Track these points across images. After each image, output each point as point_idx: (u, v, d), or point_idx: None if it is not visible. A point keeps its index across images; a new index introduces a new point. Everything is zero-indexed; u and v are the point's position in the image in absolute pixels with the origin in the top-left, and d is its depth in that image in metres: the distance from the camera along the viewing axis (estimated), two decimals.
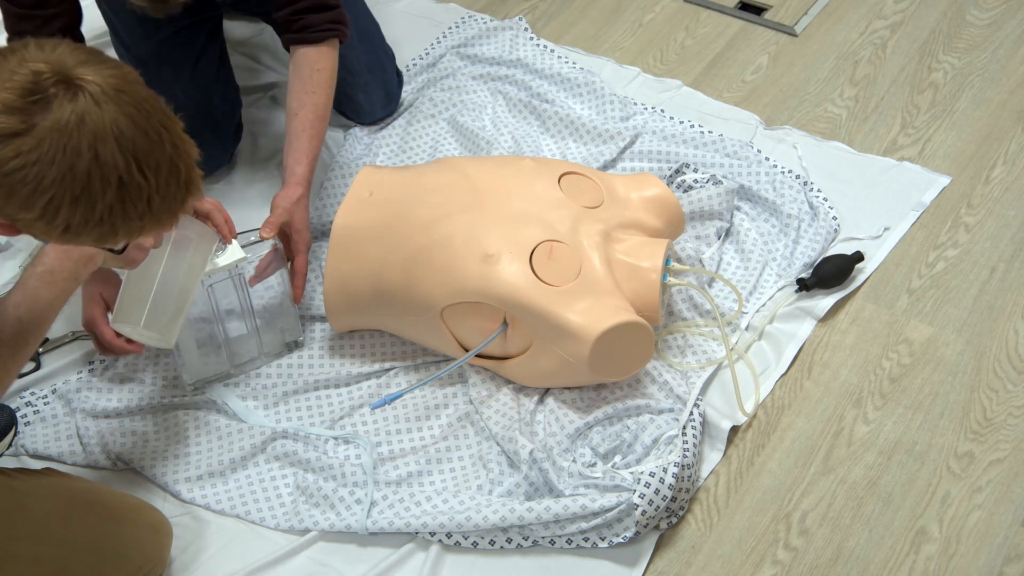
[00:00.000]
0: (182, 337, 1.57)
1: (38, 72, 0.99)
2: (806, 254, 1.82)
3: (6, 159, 0.98)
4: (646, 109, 2.10)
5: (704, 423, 1.59)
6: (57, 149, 0.99)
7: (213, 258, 1.50)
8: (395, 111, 2.08)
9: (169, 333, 1.43)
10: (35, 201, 1.00)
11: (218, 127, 1.94)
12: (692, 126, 2.05)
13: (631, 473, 1.47)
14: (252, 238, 1.58)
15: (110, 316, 1.54)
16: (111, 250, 1.17)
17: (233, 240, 1.53)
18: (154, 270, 1.39)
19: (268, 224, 1.57)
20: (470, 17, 2.33)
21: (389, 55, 2.06)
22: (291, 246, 1.62)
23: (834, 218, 1.87)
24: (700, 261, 1.80)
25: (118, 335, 1.53)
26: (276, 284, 1.62)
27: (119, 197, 1.02)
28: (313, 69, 1.71)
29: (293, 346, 1.71)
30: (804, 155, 2.01)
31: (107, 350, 1.57)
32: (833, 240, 1.86)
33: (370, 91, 2.02)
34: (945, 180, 1.97)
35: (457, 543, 1.48)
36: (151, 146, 1.04)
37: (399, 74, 2.09)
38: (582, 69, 2.16)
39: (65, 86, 0.99)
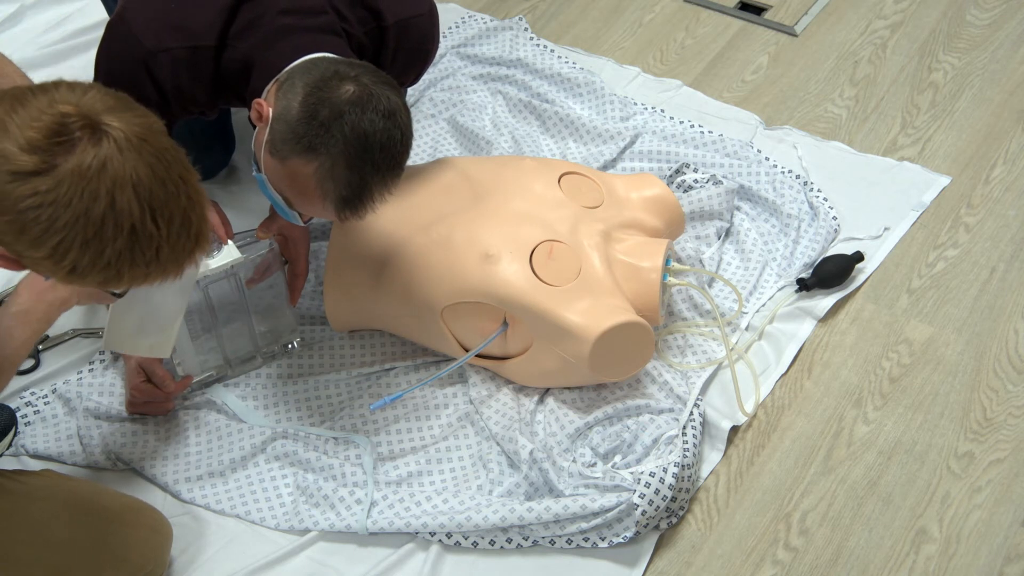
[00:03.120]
0: (178, 337, 1.57)
1: (65, 114, 0.99)
2: (806, 254, 1.82)
3: (22, 196, 0.98)
4: (646, 109, 2.10)
5: (704, 423, 1.59)
6: (75, 192, 0.99)
7: (206, 259, 1.50)
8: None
9: (168, 341, 1.43)
10: (46, 241, 1.00)
11: (221, 129, 1.94)
12: (692, 126, 2.05)
13: (631, 473, 1.47)
14: (249, 239, 1.57)
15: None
16: (113, 293, 1.19)
17: (229, 241, 1.53)
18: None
19: (264, 225, 1.57)
20: (470, 17, 2.33)
21: None
22: (289, 248, 1.62)
23: (834, 218, 1.87)
24: (700, 261, 1.80)
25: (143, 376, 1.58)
26: (273, 285, 1.62)
27: (129, 244, 1.03)
28: None
29: (290, 347, 1.71)
30: (804, 155, 2.01)
31: (151, 404, 1.61)
32: (833, 240, 1.86)
33: None
34: (945, 180, 1.97)
35: (457, 543, 1.48)
36: (167, 197, 1.04)
37: None
38: (582, 69, 2.16)
39: (91, 131, 0.99)
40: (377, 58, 1.61)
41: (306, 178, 1.32)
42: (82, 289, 1.31)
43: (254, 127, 1.39)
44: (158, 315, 1.42)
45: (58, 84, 1.03)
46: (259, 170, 1.40)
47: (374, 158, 1.31)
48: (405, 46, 1.62)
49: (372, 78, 1.33)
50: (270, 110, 1.34)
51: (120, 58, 1.47)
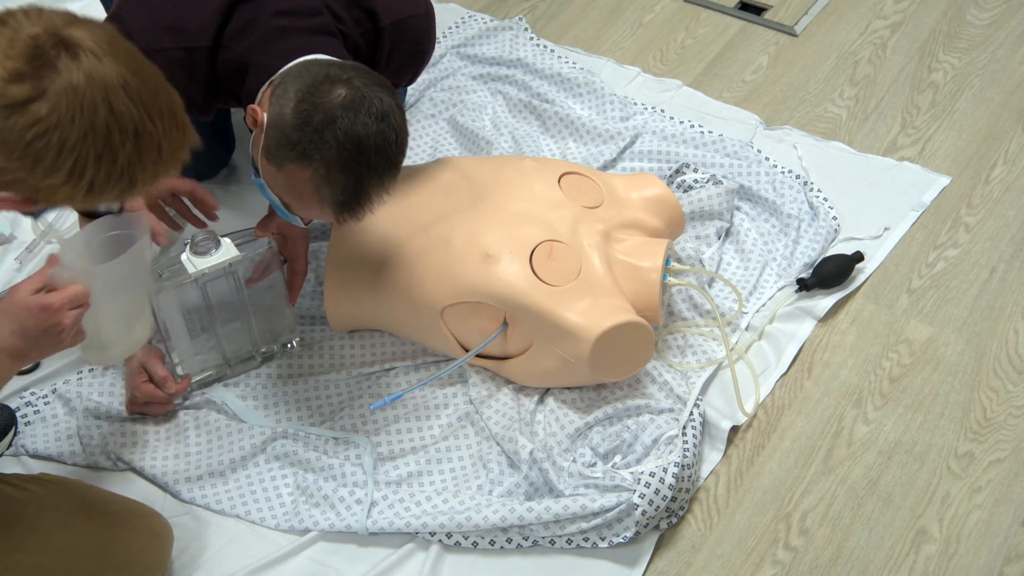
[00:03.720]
0: (177, 336, 1.57)
1: (35, 36, 0.98)
2: (806, 254, 1.82)
3: (26, 127, 0.98)
4: (646, 109, 2.10)
5: (704, 423, 1.59)
6: (75, 109, 0.98)
7: (204, 257, 1.50)
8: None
9: (148, 323, 1.41)
10: (61, 164, 1.00)
11: (221, 129, 1.94)
12: (692, 126, 2.05)
13: (631, 473, 1.47)
14: (247, 237, 1.57)
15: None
16: (97, 212, 1.16)
17: (227, 239, 1.53)
18: (107, 292, 1.32)
19: (262, 223, 1.57)
20: (470, 17, 2.33)
21: None
22: (288, 247, 1.62)
23: (834, 218, 1.87)
24: (700, 261, 1.80)
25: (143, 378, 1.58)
26: (272, 285, 1.62)
27: (136, 147, 1.03)
28: None
29: (289, 347, 1.70)
30: (804, 155, 2.01)
31: (151, 405, 1.60)
32: (833, 240, 1.86)
33: None
34: (945, 180, 1.97)
35: (457, 543, 1.48)
36: (153, 93, 1.04)
37: None
38: (582, 69, 2.16)
39: (64, 47, 0.99)
40: (372, 59, 1.60)
41: (302, 183, 1.32)
42: (30, 339, 1.22)
43: (251, 131, 1.39)
44: (131, 306, 1.39)
45: (11, 12, 1.02)
46: (257, 174, 1.40)
47: (369, 161, 1.31)
48: (401, 47, 1.62)
49: (365, 80, 1.32)
50: (264, 115, 1.34)
51: None
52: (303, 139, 1.29)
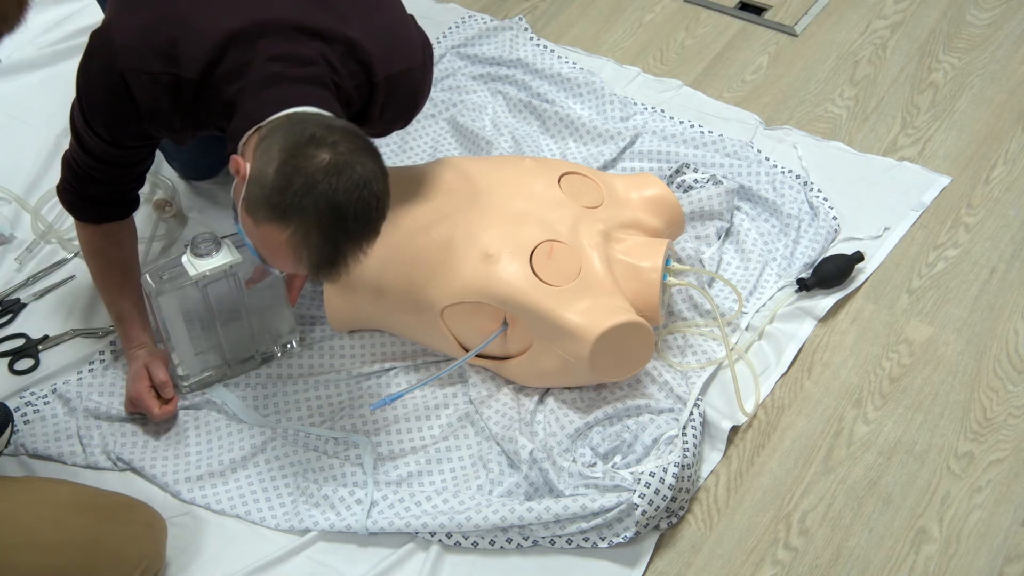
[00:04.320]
0: (178, 337, 1.57)
1: None
2: (806, 254, 1.82)
3: None
4: (646, 109, 2.10)
5: (704, 423, 1.59)
6: None
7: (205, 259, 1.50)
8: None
9: None
10: None
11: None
12: (692, 126, 2.05)
13: (631, 473, 1.47)
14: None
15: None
16: None
17: (228, 241, 1.53)
18: None
19: None
20: (470, 17, 2.33)
21: None
22: None
23: (834, 218, 1.87)
24: (700, 261, 1.80)
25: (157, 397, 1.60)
26: (272, 286, 1.62)
27: None
28: None
29: (289, 347, 1.70)
30: (804, 155, 2.01)
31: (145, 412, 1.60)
32: (833, 240, 1.86)
33: None
34: (945, 180, 1.97)
35: (457, 543, 1.48)
36: None
37: None
38: (582, 69, 2.16)
39: None
40: (365, 111, 1.57)
41: (280, 243, 1.32)
42: None
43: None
44: None
45: None
46: (237, 220, 1.39)
47: (347, 228, 1.31)
48: (394, 100, 1.58)
49: (349, 145, 1.30)
50: (247, 167, 1.33)
51: (100, 71, 1.44)
52: (283, 202, 1.28)
